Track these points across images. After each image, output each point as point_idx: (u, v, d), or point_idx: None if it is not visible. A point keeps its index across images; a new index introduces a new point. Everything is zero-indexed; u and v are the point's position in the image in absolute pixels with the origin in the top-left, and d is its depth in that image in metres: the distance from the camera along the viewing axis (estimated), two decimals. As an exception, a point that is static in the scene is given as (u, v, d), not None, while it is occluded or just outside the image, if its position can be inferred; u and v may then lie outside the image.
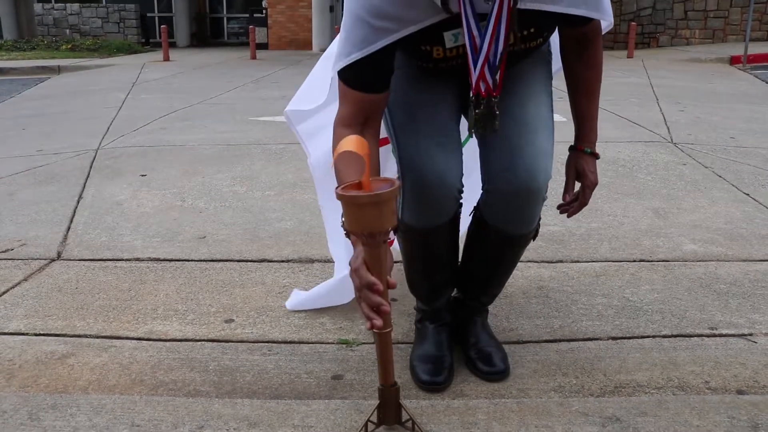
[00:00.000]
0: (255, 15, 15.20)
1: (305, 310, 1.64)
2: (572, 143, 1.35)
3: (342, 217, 0.99)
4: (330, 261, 1.98)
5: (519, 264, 1.94)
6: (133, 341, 1.51)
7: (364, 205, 0.94)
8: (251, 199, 2.68)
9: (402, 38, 1.07)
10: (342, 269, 1.54)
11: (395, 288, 1.03)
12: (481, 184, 1.24)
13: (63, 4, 14.09)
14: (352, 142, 0.92)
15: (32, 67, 8.76)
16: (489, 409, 1.20)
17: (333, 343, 1.49)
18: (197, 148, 3.72)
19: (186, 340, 1.51)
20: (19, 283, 1.83)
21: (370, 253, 0.98)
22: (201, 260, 2.01)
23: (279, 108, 5.36)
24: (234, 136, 4.08)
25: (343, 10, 1.10)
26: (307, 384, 1.32)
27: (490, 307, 1.63)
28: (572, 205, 1.34)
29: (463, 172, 1.21)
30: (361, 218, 0.95)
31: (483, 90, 1.08)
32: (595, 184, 1.33)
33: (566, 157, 1.37)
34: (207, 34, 15.86)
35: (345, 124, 1.12)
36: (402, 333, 1.53)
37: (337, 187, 0.96)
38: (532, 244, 2.07)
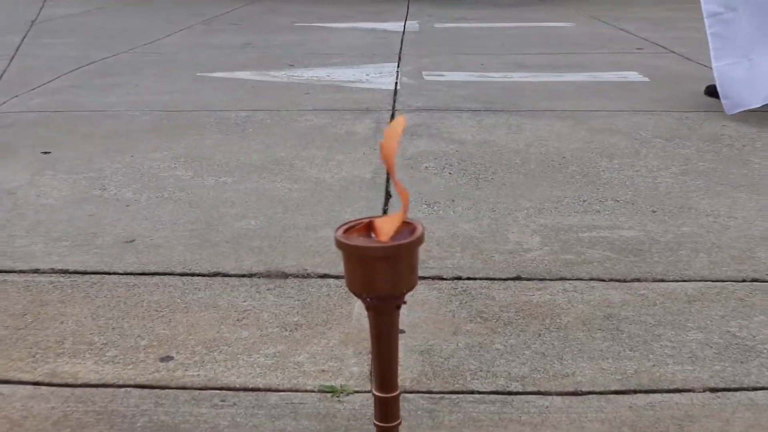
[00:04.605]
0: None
1: (274, 343, 1.65)
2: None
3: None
4: (310, 276, 1.99)
5: (578, 283, 1.95)
6: (28, 386, 1.51)
7: (374, 260, 0.96)
8: (200, 189, 2.69)
9: None
10: None
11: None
12: None
13: None
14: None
15: None
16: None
17: (313, 392, 1.50)
18: (123, 116, 3.73)
19: (104, 385, 1.52)
20: None
21: (376, 321, 1.01)
22: (127, 273, 2.02)
23: (241, 60, 5.38)
24: (176, 100, 4.09)
25: None
26: (276, 449, 1.32)
27: (536, 344, 1.63)
28: None
29: None
30: (369, 276, 0.97)
31: None
32: None
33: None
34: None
35: None
36: (412, 378, 1.54)
37: (337, 228, 0.99)
38: (595, 255, 2.08)
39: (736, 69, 3.51)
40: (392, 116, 3.72)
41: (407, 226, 0.99)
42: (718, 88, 3.57)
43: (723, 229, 2.29)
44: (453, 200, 2.57)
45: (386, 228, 0.96)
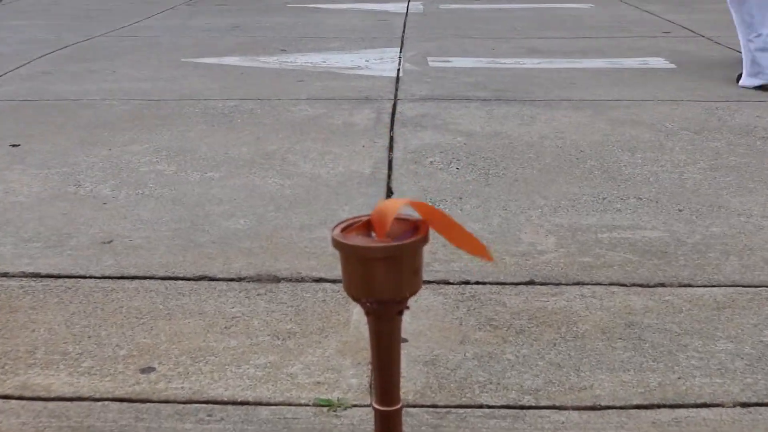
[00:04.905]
0: None
1: (265, 353, 1.66)
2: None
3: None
4: (305, 280, 2.00)
5: (596, 288, 1.95)
6: (-1, 399, 1.52)
7: (375, 261, 0.96)
8: (184, 185, 2.70)
9: None
10: None
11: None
12: None
13: None
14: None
15: None
16: None
17: (308, 405, 1.50)
18: (100, 105, 3.74)
19: (80, 399, 1.53)
20: None
21: (377, 328, 1.01)
22: (105, 277, 2.03)
23: (229, 44, 5.39)
24: (158, 88, 4.10)
25: None
26: (267, 468, 1.33)
27: (550, 354, 1.64)
28: None
29: None
30: (368, 279, 0.97)
31: None
32: None
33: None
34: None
35: None
36: (415, 391, 1.54)
37: (334, 227, 0.99)
38: (615, 258, 2.09)
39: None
40: (394, 106, 3.73)
41: (410, 224, 0.99)
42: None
43: (756, 230, 2.30)
44: (460, 198, 2.57)
45: (386, 210, 0.96)
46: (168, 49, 5.16)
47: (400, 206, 0.96)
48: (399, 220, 0.99)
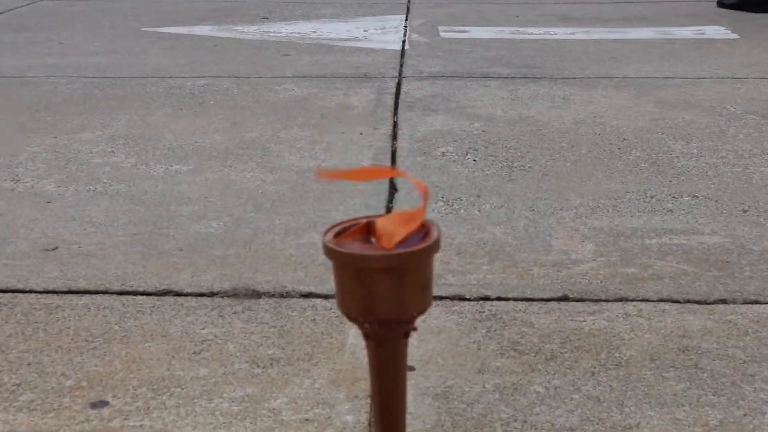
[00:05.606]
0: None
1: (242, 384, 1.65)
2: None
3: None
4: (290, 295, 1.99)
5: (643, 306, 1.95)
6: None
7: (375, 273, 0.96)
8: (145, 180, 2.69)
9: None
10: None
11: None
12: None
13: None
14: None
15: None
16: None
17: (293, 449, 1.49)
18: (43, 84, 3.73)
19: (18, 438, 1.52)
20: None
21: (378, 354, 1.01)
22: (48, 291, 2.02)
23: (200, 11, 5.39)
24: (114, 63, 4.10)
25: None
26: None
27: (588, 385, 1.63)
28: None
29: None
30: (368, 294, 0.97)
31: None
32: None
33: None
34: None
35: None
36: (423, 430, 1.53)
37: (326, 231, 0.98)
38: (666, 269, 2.08)
39: None
40: (398, 85, 3.72)
41: (419, 229, 0.98)
42: None
43: (836, 235, 2.29)
44: (478, 196, 2.57)
45: (393, 229, 0.96)
46: (126, 15, 5.16)
47: (421, 214, 0.95)
48: (403, 217, 0.98)
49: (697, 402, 1.61)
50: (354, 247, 0.96)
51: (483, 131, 3.13)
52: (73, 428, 1.55)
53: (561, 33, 4.79)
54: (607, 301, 1.98)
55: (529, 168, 2.78)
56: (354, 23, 5.00)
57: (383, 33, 4.75)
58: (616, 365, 1.72)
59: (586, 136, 3.07)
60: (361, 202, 2.52)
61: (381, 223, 0.97)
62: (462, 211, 2.46)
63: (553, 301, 1.98)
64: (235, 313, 1.93)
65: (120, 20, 5.05)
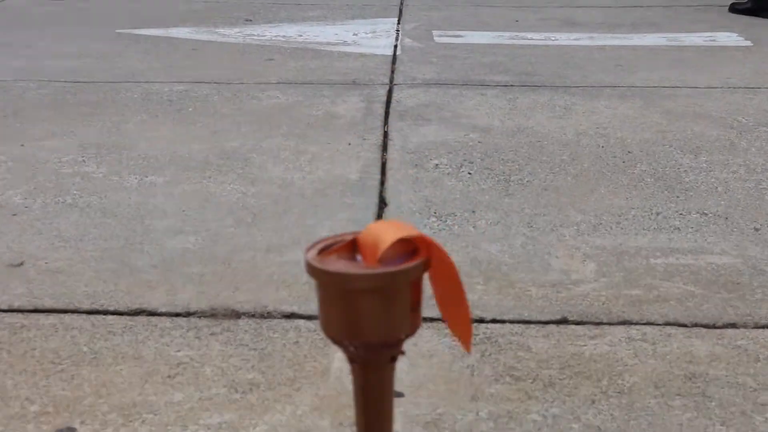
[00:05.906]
0: None
1: (219, 410, 1.65)
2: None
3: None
4: (272, 316, 1.99)
5: (648, 330, 1.95)
6: None
7: (361, 294, 0.96)
8: (118, 192, 2.69)
9: None
10: None
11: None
12: None
13: None
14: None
15: None
16: None
17: (273, 480, 1.49)
18: (11, 88, 3.73)
19: (-21, 467, 1.52)
20: None
21: (364, 380, 1.01)
22: (13, 310, 2.01)
23: (179, 12, 5.39)
24: (86, 67, 4.09)
25: None
26: None
27: (588, 414, 1.63)
28: None
29: None
30: (353, 316, 0.97)
31: None
32: None
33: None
34: None
35: None
36: (412, 462, 1.54)
37: (309, 248, 0.98)
38: (673, 291, 2.09)
39: None
40: (389, 93, 3.73)
41: (408, 246, 0.98)
42: None
43: None
44: (473, 211, 2.57)
45: (376, 238, 0.96)
46: (99, 17, 5.17)
47: (401, 231, 0.95)
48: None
49: (703, 432, 1.62)
50: (338, 265, 0.96)
51: (479, 142, 3.13)
52: (39, 457, 1.55)
53: (563, 38, 4.81)
54: (609, 324, 1.98)
55: (527, 182, 2.79)
56: (343, 26, 5.01)
57: (374, 37, 4.76)
58: (619, 393, 1.73)
59: (588, 149, 3.08)
60: (348, 217, 2.52)
61: (363, 235, 0.97)
62: (456, 227, 2.47)
63: (551, 324, 1.98)
64: (212, 334, 1.93)
65: (93, 22, 5.05)
